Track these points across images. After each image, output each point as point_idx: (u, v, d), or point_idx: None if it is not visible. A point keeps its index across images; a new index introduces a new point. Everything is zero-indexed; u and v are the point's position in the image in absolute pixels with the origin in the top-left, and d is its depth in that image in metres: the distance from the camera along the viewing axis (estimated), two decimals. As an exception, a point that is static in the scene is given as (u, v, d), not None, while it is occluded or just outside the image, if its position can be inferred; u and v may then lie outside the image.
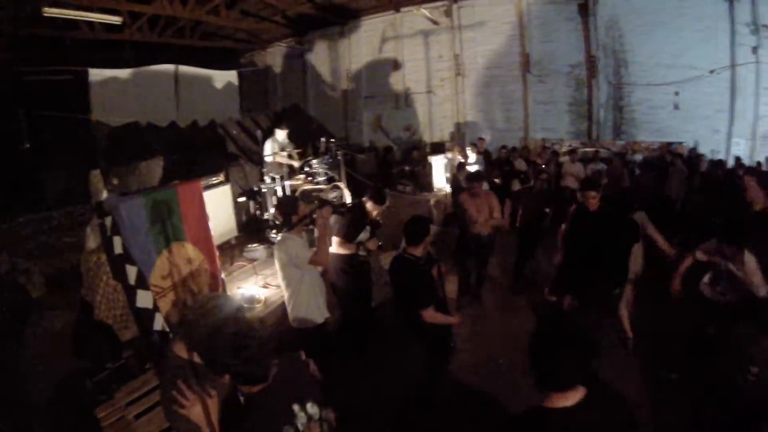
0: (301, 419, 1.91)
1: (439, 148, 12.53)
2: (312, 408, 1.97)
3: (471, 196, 6.03)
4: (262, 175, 7.53)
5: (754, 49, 10.51)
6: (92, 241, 5.28)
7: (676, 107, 11.48)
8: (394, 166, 12.31)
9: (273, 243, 6.45)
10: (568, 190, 9.52)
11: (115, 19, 9.62)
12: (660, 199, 8.90)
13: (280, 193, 6.91)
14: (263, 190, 7.32)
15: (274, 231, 6.46)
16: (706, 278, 4.13)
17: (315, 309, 3.75)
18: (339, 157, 7.91)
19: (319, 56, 16.53)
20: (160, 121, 9.51)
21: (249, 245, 6.21)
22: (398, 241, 6.71)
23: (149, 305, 3.08)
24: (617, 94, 12.00)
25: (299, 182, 7.33)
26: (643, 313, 5.18)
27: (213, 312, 1.95)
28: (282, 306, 4.64)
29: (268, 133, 7.79)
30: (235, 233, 6.67)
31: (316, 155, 8.05)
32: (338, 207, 4.77)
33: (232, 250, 6.19)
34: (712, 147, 11.17)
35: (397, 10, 14.05)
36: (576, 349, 1.72)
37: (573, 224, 5.21)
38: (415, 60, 14.52)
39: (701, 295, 4.12)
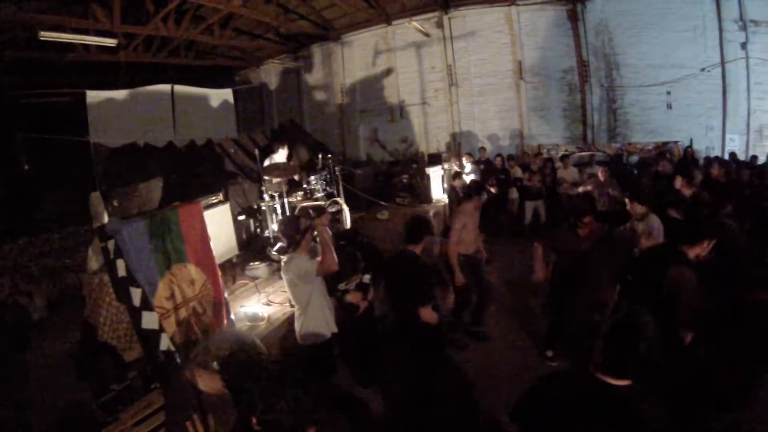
0: None
1: (436, 159, 12.58)
2: None
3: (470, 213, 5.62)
4: (261, 192, 7.56)
5: (743, 45, 10.66)
6: (94, 263, 5.28)
7: (669, 107, 11.57)
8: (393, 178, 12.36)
9: (274, 260, 6.50)
10: (566, 197, 9.59)
11: (111, 42, 9.69)
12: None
13: (279, 210, 6.95)
14: (263, 208, 7.36)
15: (275, 249, 6.49)
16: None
17: (323, 324, 3.77)
18: (337, 173, 7.96)
19: (313, 72, 16.63)
20: (157, 141, 9.57)
21: (250, 263, 6.23)
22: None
23: (155, 326, 3.11)
24: (610, 96, 12.08)
25: (298, 199, 7.36)
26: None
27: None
28: (286, 323, 4.67)
29: (266, 151, 7.83)
30: (236, 252, 6.68)
31: (313, 171, 8.08)
32: (335, 214, 4.74)
33: (233, 268, 6.20)
34: (706, 144, 11.28)
35: (389, 23, 14.16)
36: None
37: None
38: (408, 72, 14.61)
39: None
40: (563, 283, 4.58)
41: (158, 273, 3.27)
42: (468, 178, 9.36)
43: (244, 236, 7.65)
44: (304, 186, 7.70)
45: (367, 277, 4.07)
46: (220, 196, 6.92)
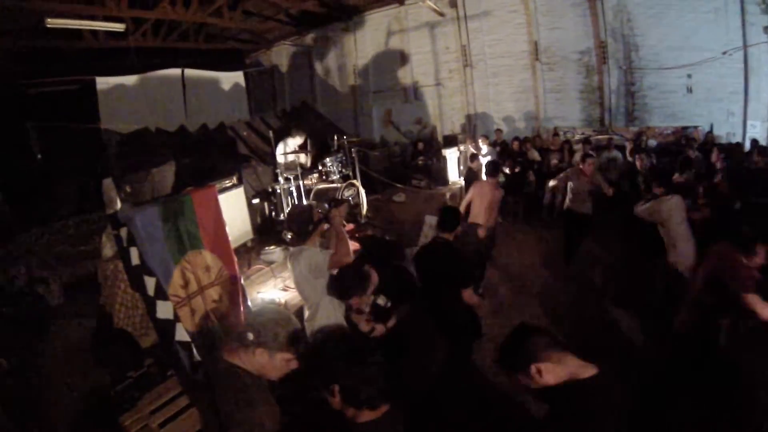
0: None
1: (451, 141, 12.42)
2: None
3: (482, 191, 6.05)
4: (275, 175, 7.49)
5: (766, 29, 10.24)
6: (108, 250, 5.27)
7: (689, 90, 11.19)
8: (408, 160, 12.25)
9: (290, 244, 6.45)
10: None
11: (119, 27, 9.57)
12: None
13: (294, 192, 6.87)
14: (277, 191, 7.30)
15: (289, 235, 6.42)
16: None
17: (336, 322, 3.52)
18: (353, 155, 7.85)
19: (325, 53, 16.42)
20: (169, 126, 9.51)
21: (266, 248, 6.17)
22: (416, 237, 6.70)
23: (170, 316, 3.03)
24: (628, 79, 11.73)
25: (313, 182, 7.29)
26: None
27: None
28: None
29: (280, 134, 7.73)
30: (250, 236, 6.64)
31: (327, 153, 7.98)
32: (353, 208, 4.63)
33: (248, 253, 6.16)
34: (727, 130, 10.91)
35: (402, 3, 13.90)
36: None
37: None
38: (422, 53, 14.36)
39: None
40: None
41: (172, 260, 3.18)
42: (484, 161, 9.21)
43: (258, 220, 7.62)
44: (320, 168, 7.62)
45: (382, 299, 3.38)
46: (234, 180, 6.88)
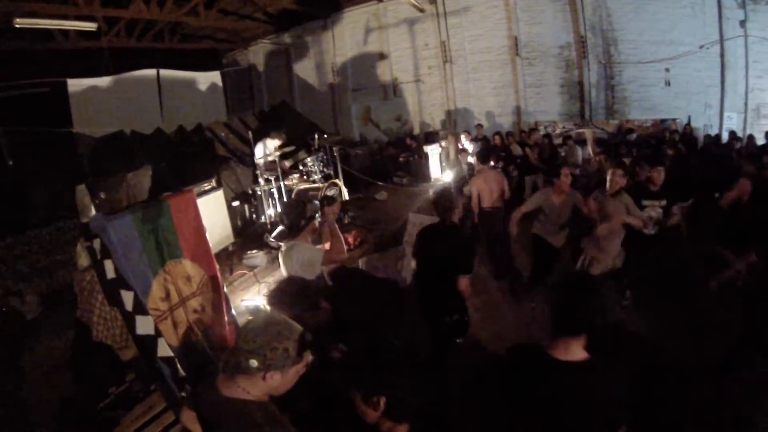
0: None
1: (432, 138, 12.37)
2: None
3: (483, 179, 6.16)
4: (255, 177, 7.34)
5: (742, 23, 10.41)
6: (84, 259, 5.06)
7: (668, 84, 11.35)
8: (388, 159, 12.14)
9: (272, 248, 6.31)
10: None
11: (91, 26, 9.28)
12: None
13: (276, 194, 6.74)
14: (258, 192, 7.15)
15: (273, 235, 6.29)
16: None
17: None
18: (335, 154, 7.74)
19: (303, 51, 16.23)
20: (144, 128, 9.26)
21: (248, 252, 6.03)
22: (399, 236, 6.61)
23: (151, 331, 2.87)
24: (608, 73, 11.82)
25: (294, 182, 7.15)
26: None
27: None
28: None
29: (258, 135, 7.56)
30: (231, 239, 6.48)
31: (308, 152, 7.85)
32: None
33: (230, 258, 6.00)
34: (704, 122, 11.11)
35: (380, 0, 13.78)
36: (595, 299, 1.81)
37: None
38: (401, 49, 14.29)
39: None
40: None
41: (151, 272, 3.00)
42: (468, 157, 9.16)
43: (239, 223, 7.46)
44: (301, 168, 7.49)
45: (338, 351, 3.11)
46: (213, 182, 6.71)
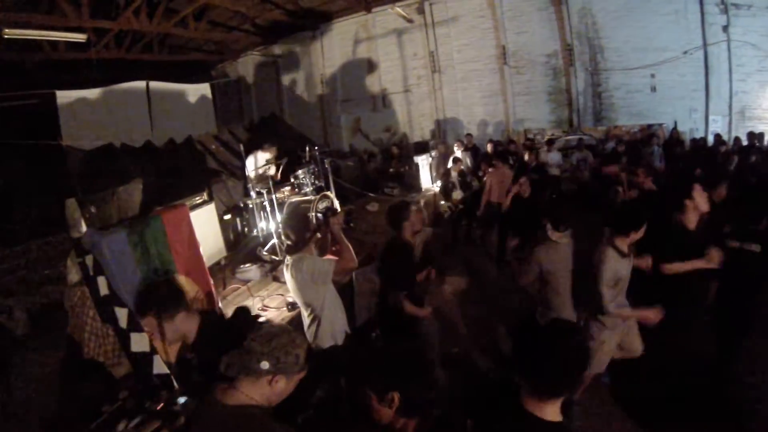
0: None
1: (422, 148, 12.41)
2: None
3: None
4: (246, 190, 7.30)
5: (725, 28, 10.60)
6: (74, 274, 4.99)
7: (653, 89, 11.53)
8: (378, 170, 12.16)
9: (265, 261, 6.28)
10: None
11: (80, 37, 9.22)
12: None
13: (268, 207, 6.70)
14: (249, 206, 7.11)
15: (266, 249, 6.26)
16: None
17: (340, 324, 3.57)
18: (327, 166, 7.72)
19: (291, 63, 16.26)
20: (134, 141, 9.18)
21: (241, 266, 5.99)
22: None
23: (146, 348, 2.83)
24: (595, 80, 11.99)
25: (285, 195, 7.11)
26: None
27: None
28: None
29: (249, 147, 7.53)
30: (224, 253, 6.40)
31: (299, 165, 7.83)
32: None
33: (222, 272, 5.92)
34: (690, 126, 11.29)
35: (369, 11, 13.86)
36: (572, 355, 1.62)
37: None
38: (390, 60, 14.38)
39: None
40: None
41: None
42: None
43: (231, 236, 7.41)
44: (292, 180, 7.46)
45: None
46: (204, 196, 6.63)
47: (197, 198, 6.34)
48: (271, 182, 6.78)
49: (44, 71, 10.38)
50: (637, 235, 3.38)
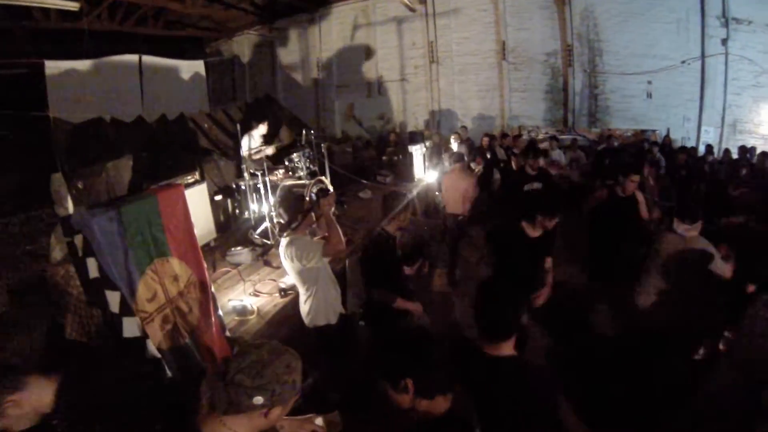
0: None
1: (417, 137, 12.32)
2: None
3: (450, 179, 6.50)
4: (239, 171, 7.17)
5: (724, 41, 10.72)
6: (57, 252, 4.89)
7: (649, 96, 11.62)
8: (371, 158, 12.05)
9: (257, 245, 6.17)
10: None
11: (73, 5, 8.91)
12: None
13: (261, 189, 6.57)
14: (242, 187, 6.98)
15: (258, 232, 6.14)
16: None
17: (333, 304, 3.61)
18: (323, 150, 7.61)
19: (288, 45, 15.98)
20: (125, 116, 8.91)
21: (232, 249, 5.86)
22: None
23: (138, 333, 2.72)
24: (592, 82, 12.02)
25: (279, 177, 6.99)
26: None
27: None
28: (277, 315, 4.40)
29: (244, 127, 7.36)
30: (213, 235, 6.29)
31: (293, 148, 7.70)
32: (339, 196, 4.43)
33: (212, 254, 5.79)
34: (682, 135, 11.43)
35: (370, -3, 13.69)
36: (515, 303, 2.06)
37: None
38: (388, 48, 14.22)
39: None
40: None
41: (137, 271, 2.84)
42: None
43: (221, 218, 7.28)
44: (286, 163, 7.33)
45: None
46: (196, 175, 6.53)
47: (189, 177, 6.23)
48: (265, 164, 6.66)
49: (34, 40, 10.04)
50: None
